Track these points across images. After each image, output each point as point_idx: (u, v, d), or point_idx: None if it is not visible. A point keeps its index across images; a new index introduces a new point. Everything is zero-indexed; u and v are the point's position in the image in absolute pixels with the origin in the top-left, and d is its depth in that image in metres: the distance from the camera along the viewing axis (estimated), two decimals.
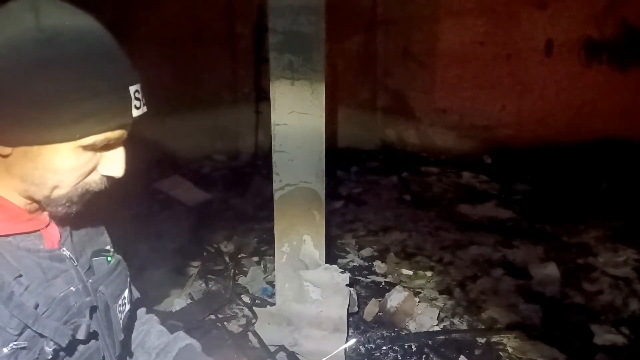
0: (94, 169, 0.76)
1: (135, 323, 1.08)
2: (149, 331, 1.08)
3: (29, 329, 0.71)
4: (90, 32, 0.70)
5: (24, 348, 0.70)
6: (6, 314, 0.69)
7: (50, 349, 0.73)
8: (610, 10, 5.27)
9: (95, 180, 0.77)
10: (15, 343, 0.69)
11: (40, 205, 0.78)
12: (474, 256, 3.43)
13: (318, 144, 2.31)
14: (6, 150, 0.70)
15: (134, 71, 0.75)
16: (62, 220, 0.85)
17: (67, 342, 0.74)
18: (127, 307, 0.93)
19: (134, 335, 1.06)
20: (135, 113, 0.74)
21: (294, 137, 2.28)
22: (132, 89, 0.73)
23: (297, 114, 2.25)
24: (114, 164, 0.77)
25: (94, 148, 0.73)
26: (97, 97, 0.68)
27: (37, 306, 0.73)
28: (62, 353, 0.76)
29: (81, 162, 0.73)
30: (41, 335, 0.72)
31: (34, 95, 0.65)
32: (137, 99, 0.73)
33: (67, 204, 0.76)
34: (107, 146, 0.75)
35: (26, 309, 0.71)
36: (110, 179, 0.79)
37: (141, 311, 1.11)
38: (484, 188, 4.89)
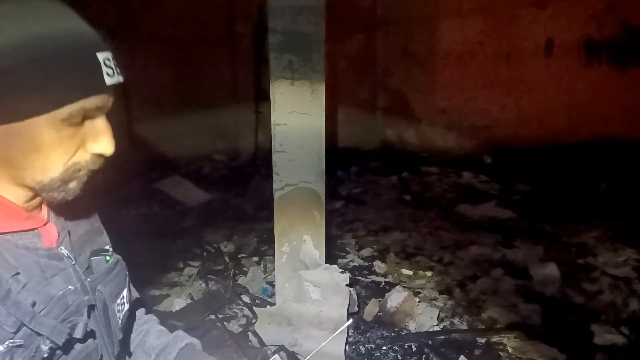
0: (79, 145, 0.75)
1: (135, 323, 1.07)
2: (149, 331, 1.07)
3: (25, 327, 0.71)
4: (50, 5, 0.71)
5: (20, 346, 0.70)
6: (3, 311, 0.69)
7: (47, 347, 0.72)
8: (610, 10, 5.27)
9: (85, 160, 0.76)
10: (11, 341, 0.69)
11: (36, 192, 0.77)
12: (474, 256, 3.43)
13: (318, 144, 2.31)
14: None
15: (102, 40, 0.74)
16: (60, 219, 0.85)
17: (63, 340, 0.74)
18: (126, 306, 0.92)
19: (133, 335, 1.06)
20: (109, 81, 0.73)
21: (294, 137, 2.28)
22: (100, 55, 0.72)
23: (297, 114, 2.25)
24: (101, 139, 0.75)
25: (73, 121, 0.72)
26: (62, 63, 0.68)
27: (34, 304, 0.72)
28: (58, 351, 0.75)
29: (63, 137, 0.72)
30: (38, 334, 0.72)
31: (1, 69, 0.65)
32: (108, 66, 0.73)
33: (61, 188, 0.75)
34: (88, 118, 0.74)
35: (23, 306, 0.71)
36: (101, 158, 0.77)
37: (140, 311, 1.11)
38: (484, 188, 4.89)
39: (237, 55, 5.73)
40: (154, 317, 1.13)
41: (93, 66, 0.71)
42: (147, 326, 1.09)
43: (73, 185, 0.76)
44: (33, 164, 0.72)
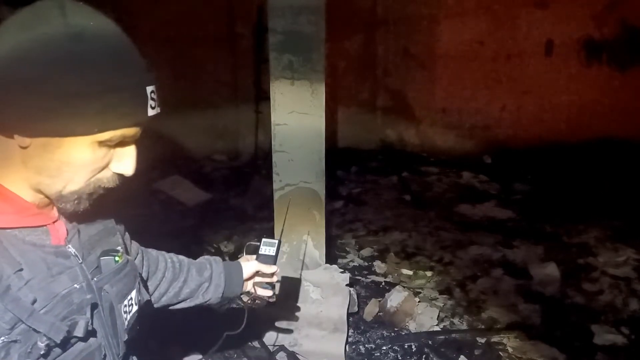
0: (106, 165, 0.79)
1: (174, 268, 1.28)
2: (189, 266, 1.33)
3: (22, 324, 0.71)
4: (111, 31, 0.75)
5: (15, 341, 0.71)
6: (0, 307, 0.69)
7: (43, 344, 0.73)
8: (610, 10, 5.27)
9: (106, 177, 0.80)
10: (7, 336, 0.70)
11: (50, 200, 0.80)
12: (474, 256, 3.43)
13: (318, 144, 2.31)
14: (26, 141, 0.72)
15: (151, 73, 0.79)
16: (72, 218, 0.86)
17: (61, 338, 0.74)
18: (134, 308, 0.92)
19: (175, 270, 1.28)
20: (151, 112, 0.77)
21: (294, 137, 2.28)
22: (148, 88, 0.77)
23: (297, 114, 2.25)
24: (126, 162, 0.80)
25: (109, 144, 0.76)
26: (117, 92, 0.72)
27: (34, 301, 0.73)
28: (57, 349, 0.76)
29: (96, 157, 0.76)
30: (35, 331, 0.72)
31: (59, 87, 0.68)
32: (152, 99, 0.77)
33: (76, 201, 0.78)
34: (121, 143, 0.78)
35: (22, 303, 0.71)
36: (120, 176, 0.81)
37: (177, 259, 1.31)
38: (484, 188, 4.89)
39: (237, 55, 5.73)
40: (179, 257, 1.34)
41: (141, 98, 0.75)
42: (186, 262, 1.34)
43: (87, 199, 0.80)
44: (61, 175, 0.75)
